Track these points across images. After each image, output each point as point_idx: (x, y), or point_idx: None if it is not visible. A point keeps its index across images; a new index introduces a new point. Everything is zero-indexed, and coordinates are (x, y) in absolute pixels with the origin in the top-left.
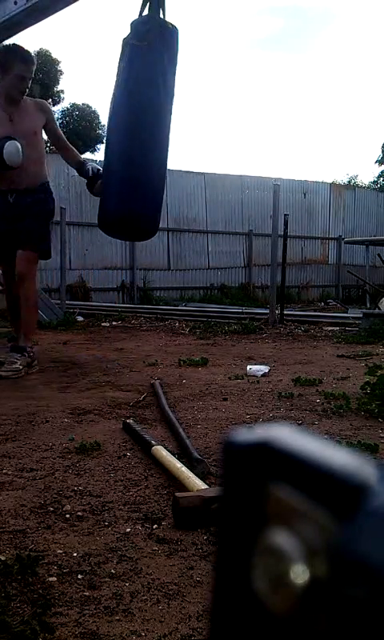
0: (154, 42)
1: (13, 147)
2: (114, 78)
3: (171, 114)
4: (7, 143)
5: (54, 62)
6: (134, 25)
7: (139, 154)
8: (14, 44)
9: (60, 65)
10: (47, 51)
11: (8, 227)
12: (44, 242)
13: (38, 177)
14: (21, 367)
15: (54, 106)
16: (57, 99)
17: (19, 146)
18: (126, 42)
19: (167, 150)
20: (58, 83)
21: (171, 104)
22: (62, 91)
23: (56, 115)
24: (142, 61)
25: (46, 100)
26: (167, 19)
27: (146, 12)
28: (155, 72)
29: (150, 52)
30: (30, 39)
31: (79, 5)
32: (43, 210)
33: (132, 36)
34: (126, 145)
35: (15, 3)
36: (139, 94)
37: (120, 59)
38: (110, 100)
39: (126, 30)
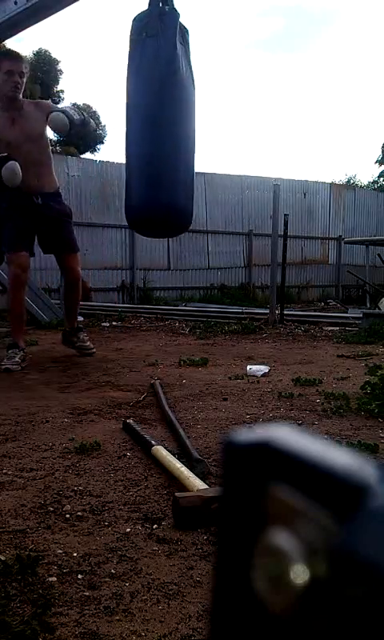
0: (153, 30)
1: (11, 168)
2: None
3: (188, 95)
4: (7, 164)
5: (53, 62)
6: (133, 20)
7: (161, 144)
8: None
9: (60, 65)
10: (47, 51)
11: (36, 226)
12: (76, 242)
13: (53, 180)
14: (20, 360)
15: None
16: (57, 99)
17: (18, 167)
18: (143, 35)
19: (193, 139)
20: (58, 83)
21: (184, 87)
22: (62, 91)
23: None
24: (145, 53)
25: (46, 100)
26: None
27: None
28: (159, 62)
29: (153, 41)
30: (30, 39)
31: (79, 5)
32: (69, 215)
33: (131, 32)
34: (146, 136)
35: (15, 3)
36: (149, 86)
37: (136, 51)
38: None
39: (127, 30)
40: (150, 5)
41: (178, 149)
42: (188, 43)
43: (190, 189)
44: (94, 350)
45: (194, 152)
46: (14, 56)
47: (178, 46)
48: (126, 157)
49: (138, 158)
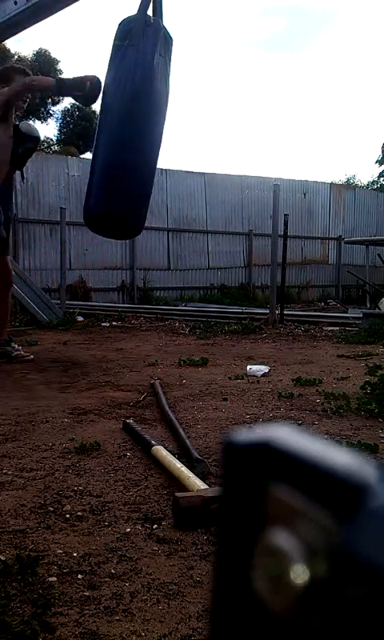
0: (135, 39)
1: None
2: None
3: (159, 110)
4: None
5: (53, 62)
6: (119, 24)
7: (124, 155)
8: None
9: (59, 65)
10: (47, 51)
11: None
12: None
13: None
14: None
15: (53, 105)
16: (57, 99)
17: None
18: (112, 44)
19: (158, 149)
20: None
21: (156, 103)
22: None
23: (56, 115)
24: (124, 62)
25: (46, 100)
26: (161, 17)
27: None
28: (135, 75)
29: (133, 51)
30: (30, 39)
31: (79, 5)
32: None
33: (115, 36)
34: (113, 139)
35: (15, 3)
36: (122, 95)
37: (119, 56)
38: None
39: None
40: (138, 11)
41: (141, 161)
42: (170, 54)
43: (144, 201)
44: (32, 357)
45: (155, 163)
46: (28, 74)
47: (158, 58)
48: (92, 160)
49: (101, 164)
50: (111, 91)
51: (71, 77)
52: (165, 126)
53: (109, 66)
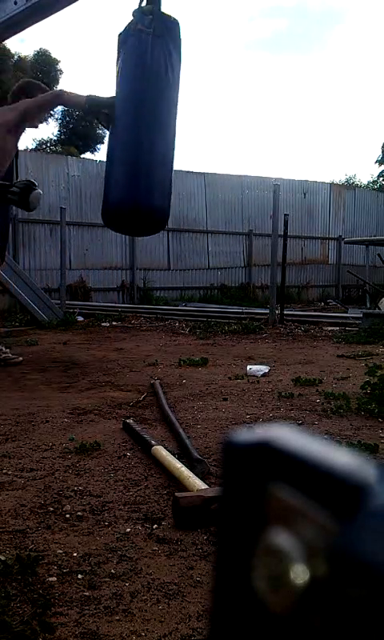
0: (158, 29)
1: (39, 195)
2: (117, 67)
3: (176, 102)
4: (35, 191)
5: (53, 62)
6: (136, 13)
7: (143, 142)
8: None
9: (60, 65)
10: (47, 51)
11: None
12: None
13: None
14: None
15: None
16: None
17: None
18: (130, 30)
19: (173, 139)
20: (58, 83)
21: (177, 92)
22: None
23: (56, 115)
24: (147, 48)
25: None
26: (158, 4)
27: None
28: (160, 59)
29: (155, 39)
30: (30, 39)
31: (79, 5)
32: None
33: (137, 22)
34: (130, 132)
35: (15, 3)
36: (146, 81)
37: (122, 47)
38: (115, 89)
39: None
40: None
41: (154, 149)
42: (172, 35)
43: (167, 188)
44: (21, 359)
45: (173, 148)
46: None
47: (155, 40)
48: (108, 157)
49: (116, 159)
50: (119, 84)
51: (98, 95)
52: (175, 108)
53: (116, 59)
